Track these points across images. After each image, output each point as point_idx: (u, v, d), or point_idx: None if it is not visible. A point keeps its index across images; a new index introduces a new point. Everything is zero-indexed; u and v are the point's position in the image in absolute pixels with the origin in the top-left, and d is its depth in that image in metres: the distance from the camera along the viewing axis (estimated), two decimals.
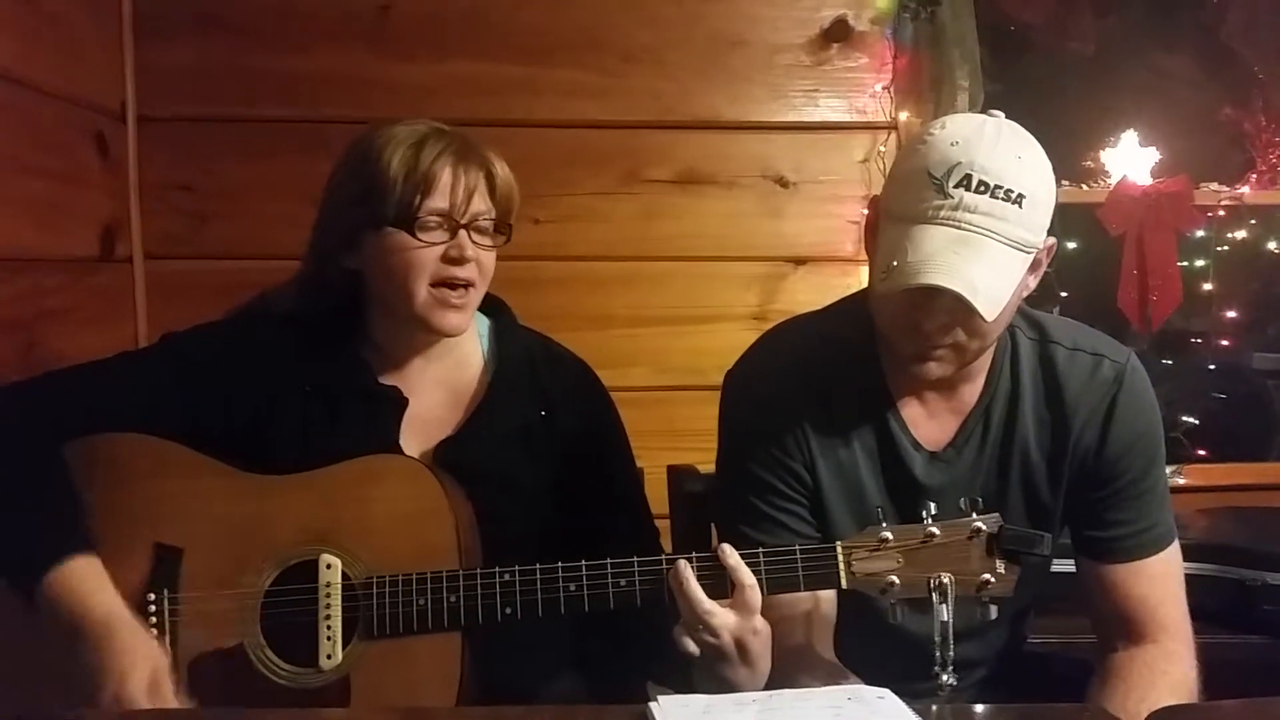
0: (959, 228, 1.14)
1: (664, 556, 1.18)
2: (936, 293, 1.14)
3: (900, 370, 1.30)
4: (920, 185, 1.17)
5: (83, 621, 1.14)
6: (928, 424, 1.33)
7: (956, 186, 1.14)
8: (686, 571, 1.14)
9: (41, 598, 1.15)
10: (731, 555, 1.15)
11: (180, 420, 1.28)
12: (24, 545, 1.17)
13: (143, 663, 1.13)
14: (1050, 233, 1.22)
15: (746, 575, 1.14)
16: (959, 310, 1.16)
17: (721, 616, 1.13)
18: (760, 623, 1.15)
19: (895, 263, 1.16)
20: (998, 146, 1.16)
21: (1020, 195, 1.15)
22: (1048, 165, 1.21)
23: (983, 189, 1.14)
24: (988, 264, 1.14)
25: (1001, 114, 1.23)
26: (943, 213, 1.15)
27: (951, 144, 1.16)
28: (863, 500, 1.32)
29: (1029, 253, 1.18)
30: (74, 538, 1.18)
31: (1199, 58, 2.70)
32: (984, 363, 1.32)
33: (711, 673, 1.16)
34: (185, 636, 1.21)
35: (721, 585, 1.15)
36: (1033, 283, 1.25)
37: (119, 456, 1.25)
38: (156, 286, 2.12)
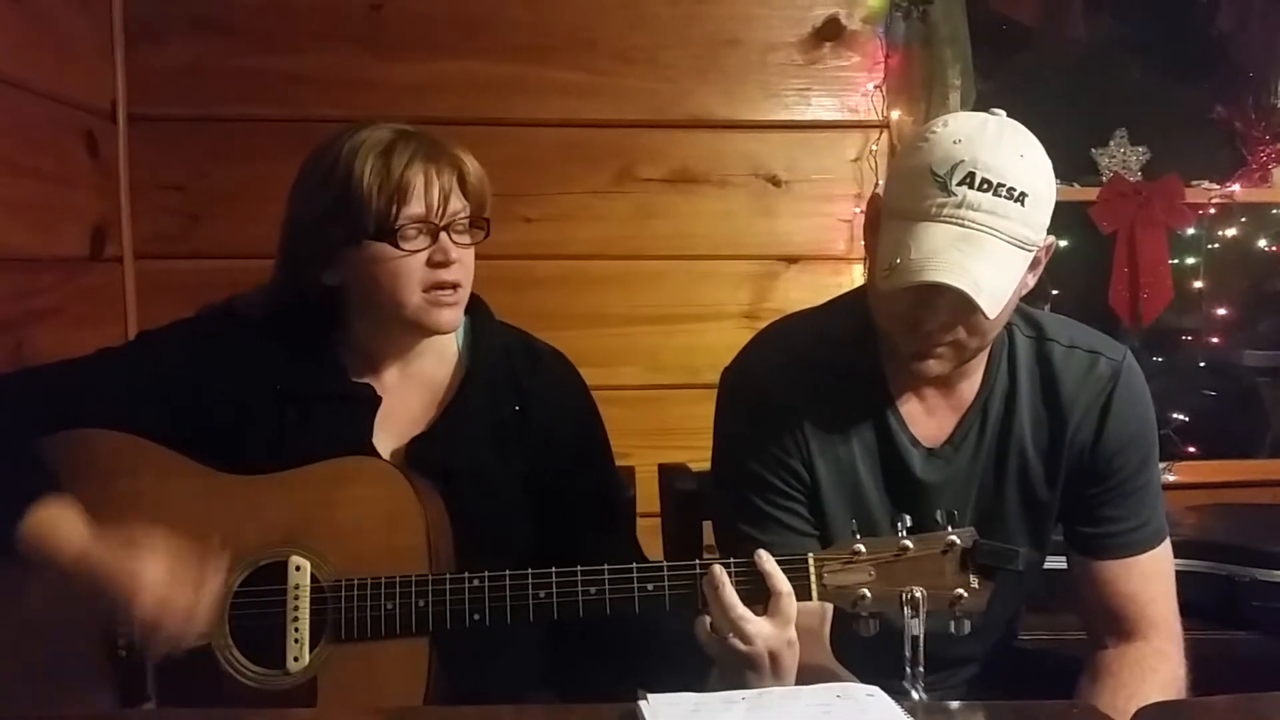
0: (962, 225, 1.14)
1: (696, 562, 1.16)
2: (940, 290, 1.14)
3: (899, 367, 1.30)
4: (923, 183, 1.16)
5: (60, 562, 1.15)
6: (926, 421, 1.33)
7: (960, 184, 1.14)
8: (722, 576, 1.12)
9: (21, 551, 1.16)
10: (768, 561, 1.13)
11: (154, 419, 1.28)
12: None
13: (146, 572, 1.12)
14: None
15: (783, 583, 1.12)
16: (961, 308, 1.16)
17: (756, 624, 1.11)
18: (794, 635, 1.13)
19: (898, 260, 1.16)
20: (1000, 144, 1.16)
21: (1023, 194, 1.14)
22: (1048, 164, 1.20)
23: (986, 187, 1.14)
24: (991, 261, 1.14)
25: (1003, 112, 1.23)
26: (946, 210, 1.15)
27: (954, 141, 1.16)
28: (861, 497, 1.32)
29: (1030, 250, 1.18)
30: (38, 484, 1.18)
31: (1190, 56, 2.71)
32: (981, 360, 1.32)
33: (736, 683, 1.13)
34: None
35: (755, 594, 1.12)
36: (1032, 281, 1.25)
37: (92, 453, 1.24)
38: (147, 286, 2.12)
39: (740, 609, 1.11)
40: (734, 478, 1.33)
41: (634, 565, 1.17)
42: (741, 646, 1.11)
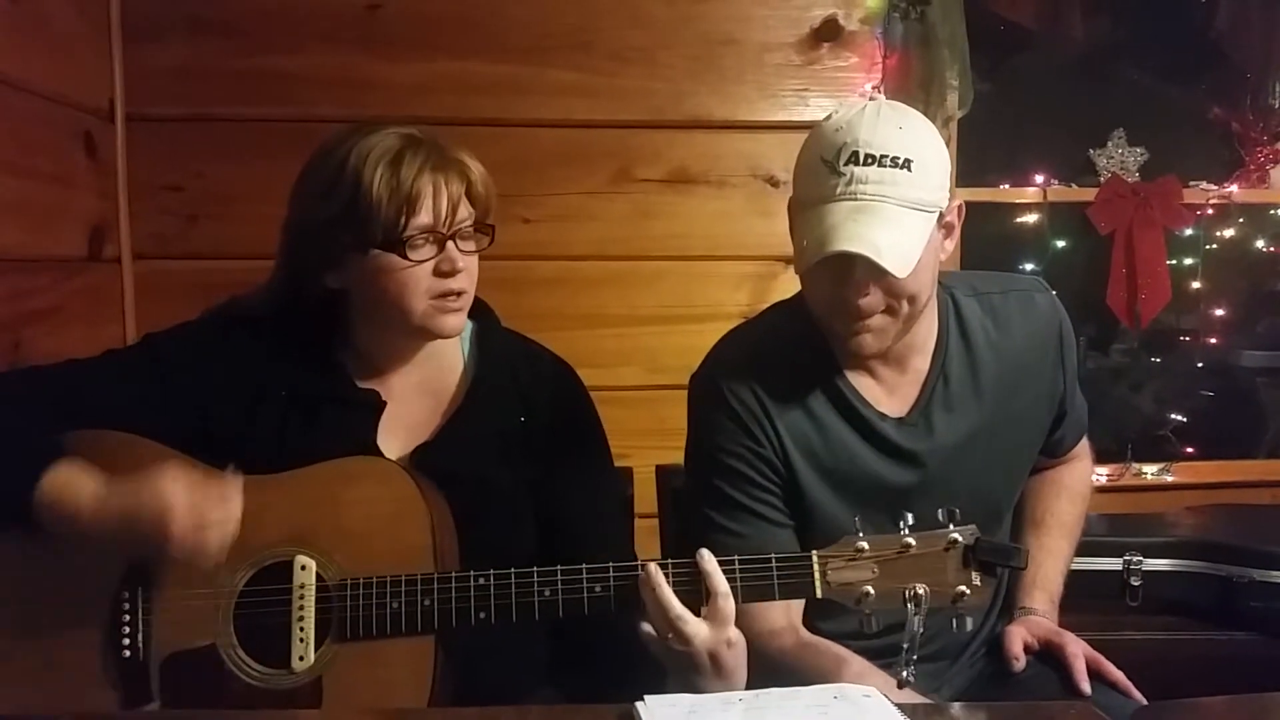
0: (855, 199, 1.22)
1: (639, 562, 1.16)
2: (850, 262, 1.22)
3: (849, 352, 1.35)
4: (817, 171, 1.26)
5: (81, 514, 1.14)
6: (889, 399, 1.38)
7: (847, 164, 1.23)
8: (658, 576, 1.12)
9: (41, 515, 1.15)
10: (709, 561, 1.13)
11: (159, 420, 1.28)
12: (11, 480, 1.17)
13: (171, 491, 1.12)
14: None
15: (721, 583, 1.12)
16: (874, 275, 1.23)
17: (694, 625, 1.11)
18: (734, 635, 1.13)
19: (805, 242, 1.25)
20: (878, 122, 1.25)
21: (907, 160, 1.23)
22: (932, 132, 1.29)
23: (870, 161, 1.23)
24: (888, 226, 1.21)
25: (881, 96, 1.28)
26: (839, 189, 1.23)
27: (836, 129, 1.26)
28: (841, 475, 1.35)
29: (930, 211, 1.25)
30: (47, 454, 1.18)
31: (1187, 57, 2.71)
32: (930, 333, 1.38)
33: (685, 681, 1.14)
34: (158, 635, 1.21)
35: (698, 594, 1.12)
36: (950, 246, 1.33)
37: (97, 454, 1.23)
38: (145, 287, 2.11)
39: (677, 609, 1.11)
40: (709, 474, 1.36)
41: (638, 561, 1.17)
42: (679, 647, 1.11)
